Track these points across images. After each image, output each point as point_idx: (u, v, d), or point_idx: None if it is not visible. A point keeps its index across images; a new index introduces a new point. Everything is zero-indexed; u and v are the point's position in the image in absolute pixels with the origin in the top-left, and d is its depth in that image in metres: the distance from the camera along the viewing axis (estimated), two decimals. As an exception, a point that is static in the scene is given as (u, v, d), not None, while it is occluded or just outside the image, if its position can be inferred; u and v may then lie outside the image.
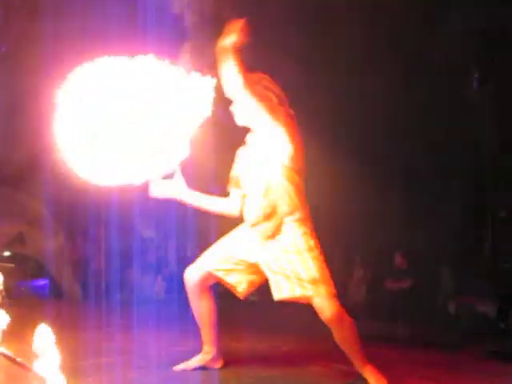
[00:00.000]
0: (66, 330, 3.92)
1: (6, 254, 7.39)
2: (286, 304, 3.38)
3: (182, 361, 3.54)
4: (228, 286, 3.50)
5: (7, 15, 6.26)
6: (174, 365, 3.51)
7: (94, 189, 3.36)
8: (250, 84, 3.23)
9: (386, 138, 6.94)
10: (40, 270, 7.31)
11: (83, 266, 7.02)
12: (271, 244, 3.30)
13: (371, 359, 3.32)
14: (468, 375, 3.87)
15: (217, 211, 3.56)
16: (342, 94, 6.65)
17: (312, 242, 3.29)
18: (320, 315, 3.23)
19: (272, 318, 5.58)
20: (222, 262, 3.43)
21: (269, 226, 3.29)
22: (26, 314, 4.61)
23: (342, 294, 7.42)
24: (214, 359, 3.51)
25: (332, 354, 3.60)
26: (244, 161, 3.45)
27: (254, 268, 3.40)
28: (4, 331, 3.57)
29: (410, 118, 6.81)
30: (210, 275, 3.45)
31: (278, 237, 3.29)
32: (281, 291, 3.26)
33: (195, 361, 3.50)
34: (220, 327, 3.55)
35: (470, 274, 6.72)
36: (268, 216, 3.28)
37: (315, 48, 6.48)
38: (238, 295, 3.51)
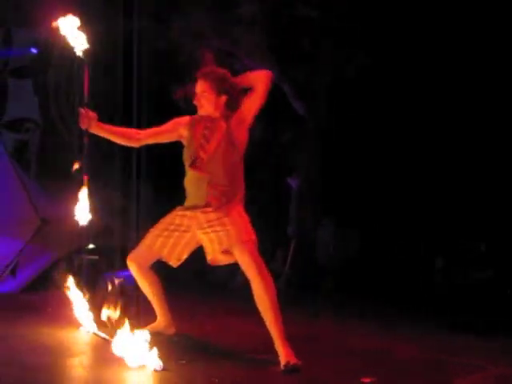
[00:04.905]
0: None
1: (91, 246, 7.59)
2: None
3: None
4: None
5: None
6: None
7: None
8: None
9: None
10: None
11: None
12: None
13: (457, 349, 3.17)
14: None
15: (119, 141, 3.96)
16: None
17: None
18: (242, 264, 3.46)
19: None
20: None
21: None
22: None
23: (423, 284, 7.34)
24: (166, 327, 3.94)
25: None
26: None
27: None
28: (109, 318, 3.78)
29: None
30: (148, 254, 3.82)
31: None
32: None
33: (151, 327, 3.85)
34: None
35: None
36: None
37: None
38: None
